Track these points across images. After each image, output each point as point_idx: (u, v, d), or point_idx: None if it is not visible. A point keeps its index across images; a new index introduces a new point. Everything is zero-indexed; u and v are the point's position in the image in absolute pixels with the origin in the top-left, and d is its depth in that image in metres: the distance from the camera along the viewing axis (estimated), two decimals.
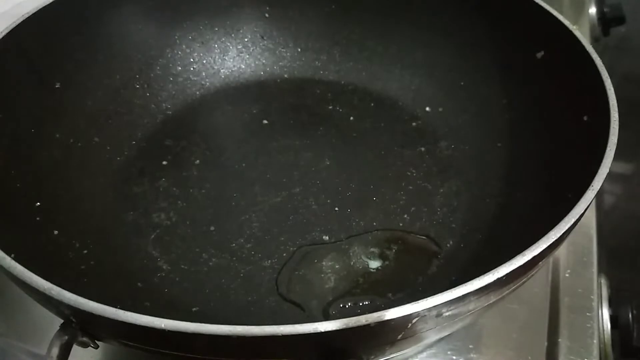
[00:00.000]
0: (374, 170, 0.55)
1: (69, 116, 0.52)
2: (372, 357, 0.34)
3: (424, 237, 0.49)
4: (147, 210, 0.52)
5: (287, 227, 0.50)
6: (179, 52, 0.63)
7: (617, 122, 0.39)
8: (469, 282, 0.30)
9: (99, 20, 0.56)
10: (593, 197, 0.35)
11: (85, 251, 0.45)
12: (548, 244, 0.32)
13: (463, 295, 0.29)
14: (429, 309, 0.29)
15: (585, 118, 0.43)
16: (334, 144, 0.58)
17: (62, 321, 0.32)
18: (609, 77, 0.42)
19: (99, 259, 0.45)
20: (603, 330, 0.45)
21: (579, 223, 0.35)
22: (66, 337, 0.31)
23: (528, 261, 0.31)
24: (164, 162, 0.56)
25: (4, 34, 0.47)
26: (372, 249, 0.48)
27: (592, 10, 0.74)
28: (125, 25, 0.58)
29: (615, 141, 0.38)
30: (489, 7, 0.54)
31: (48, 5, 0.51)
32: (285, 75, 0.65)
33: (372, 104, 0.62)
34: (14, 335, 0.45)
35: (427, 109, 0.60)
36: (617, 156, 0.38)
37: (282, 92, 0.64)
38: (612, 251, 0.54)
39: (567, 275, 0.48)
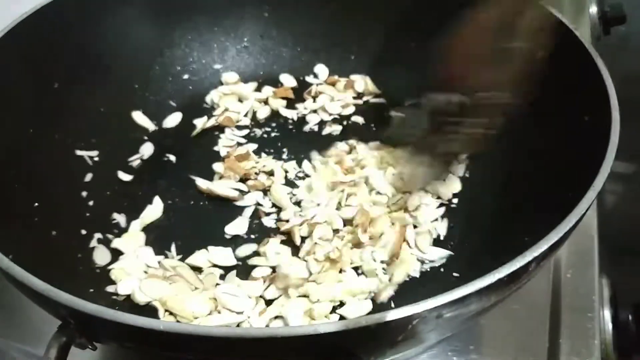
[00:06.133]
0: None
1: (67, 116, 0.52)
2: (373, 358, 0.33)
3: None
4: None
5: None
6: (178, 52, 0.63)
7: (618, 122, 0.39)
8: (470, 283, 0.30)
9: (97, 21, 0.56)
10: (594, 197, 0.35)
11: (84, 252, 0.45)
12: (549, 244, 0.32)
13: (464, 297, 0.29)
14: (430, 311, 0.29)
15: (586, 118, 0.43)
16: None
17: (60, 322, 0.32)
18: (609, 76, 0.42)
19: (98, 260, 0.45)
20: (604, 330, 0.45)
21: (580, 223, 0.34)
22: (64, 339, 0.31)
23: (529, 262, 0.31)
24: (163, 161, 0.56)
25: (2, 33, 0.47)
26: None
27: (593, 9, 0.73)
28: (124, 26, 0.58)
29: (617, 141, 0.38)
30: None
31: (46, 5, 0.51)
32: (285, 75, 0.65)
33: (373, 103, 0.62)
34: (12, 337, 0.45)
35: None
36: (619, 156, 0.37)
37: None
38: (613, 252, 0.54)
39: (568, 275, 0.48)
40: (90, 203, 0.50)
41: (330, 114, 0.61)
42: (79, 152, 0.53)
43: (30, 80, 0.49)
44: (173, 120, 0.60)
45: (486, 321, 0.45)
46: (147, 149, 0.57)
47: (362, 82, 0.63)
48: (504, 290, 0.33)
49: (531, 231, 0.34)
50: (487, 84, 0.41)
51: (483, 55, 0.42)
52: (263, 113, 0.62)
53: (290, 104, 0.62)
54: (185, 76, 0.63)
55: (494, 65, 0.41)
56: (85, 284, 0.42)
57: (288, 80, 0.64)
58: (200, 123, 0.60)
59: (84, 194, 0.51)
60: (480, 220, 0.49)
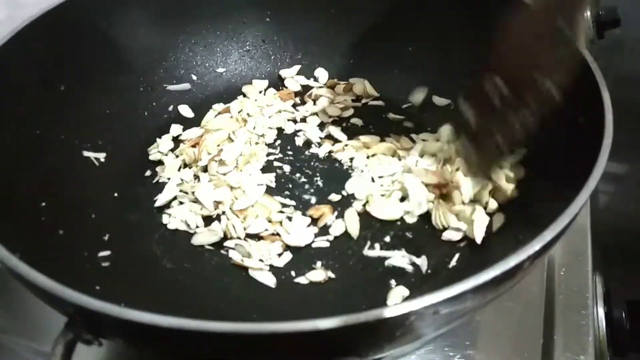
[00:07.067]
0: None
1: (73, 118, 0.53)
2: (371, 353, 0.34)
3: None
4: (151, 210, 0.52)
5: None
6: (182, 56, 0.64)
7: (611, 124, 0.40)
8: (465, 281, 0.30)
9: (103, 24, 0.57)
10: (587, 197, 0.36)
11: (90, 250, 0.46)
12: (543, 243, 0.33)
13: (460, 294, 0.30)
14: (427, 307, 0.30)
15: (580, 120, 0.44)
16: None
17: (66, 319, 0.33)
18: (603, 79, 0.43)
19: (104, 258, 0.46)
20: (598, 327, 0.46)
21: (574, 222, 0.35)
22: (71, 335, 0.32)
23: (523, 260, 0.32)
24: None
25: (9, 37, 0.48)
26: (375, 243, 0.49)
27: (587, 13, 0.74)
28: (129, 29, 0.59)
29: (610, 142, 0.39)
30: (485, 12, 0.55)
31: (53, 8, 0.51)
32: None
33: (371, 105, 0.63)
34: (19, 334, 0.46)
35: (424, 112, 0.61)
36: (612, 156, 0.38)
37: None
38: (606, 250, 0.55)
39: (562, 273, 0.49)
40: (97, 203, 0.51)
41: (330, 116, 0.62)
42: (86, 154, 0.53)
43: (37, 82, 0.50)
44: (178, 122, 0.61)
45: (482, 318, 0.45)
46: (153, 150, 0.58)
47: (361, 85, 0.64)
48: (499, 287, 0.33)
49: (525, 230, 0.35)
50: (544, 67, 0.42)
51: (542, 36, 0.42)
52: None
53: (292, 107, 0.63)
54: (189, 79, 0.64)
55: (552, 47, 0.42)
56: (91, 281, 0.43)
57: (290, 84, 0.65)
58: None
59: (91, 193, 0.51)
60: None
